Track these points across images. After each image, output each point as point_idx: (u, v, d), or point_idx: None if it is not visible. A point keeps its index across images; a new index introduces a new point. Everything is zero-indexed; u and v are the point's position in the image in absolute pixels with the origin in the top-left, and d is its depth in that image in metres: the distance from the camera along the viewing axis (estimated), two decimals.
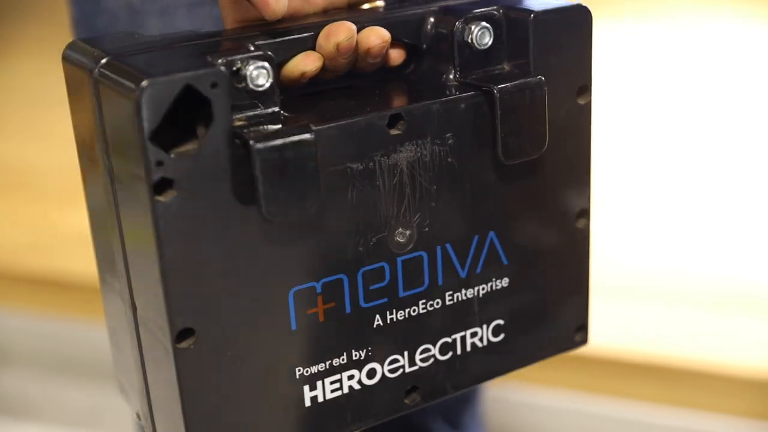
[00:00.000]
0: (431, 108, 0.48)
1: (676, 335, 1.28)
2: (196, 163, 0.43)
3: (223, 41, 0.47)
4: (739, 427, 1.22)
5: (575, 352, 0.58)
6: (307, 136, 0.44)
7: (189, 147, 0.42)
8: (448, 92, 0.49)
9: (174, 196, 0.43)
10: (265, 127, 0.44)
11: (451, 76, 0.51)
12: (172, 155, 0.42)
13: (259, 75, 0.44)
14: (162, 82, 0.41)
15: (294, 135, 0.44)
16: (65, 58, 0.49)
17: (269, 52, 0.45)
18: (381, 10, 0.53)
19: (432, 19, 0.51)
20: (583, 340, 0.58)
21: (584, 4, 0.51)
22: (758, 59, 2.23)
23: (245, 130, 0.44)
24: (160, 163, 0.42)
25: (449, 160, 0.49)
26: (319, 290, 0.48)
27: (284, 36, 0.48)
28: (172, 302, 0.44)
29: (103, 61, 0.45)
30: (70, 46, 0.49)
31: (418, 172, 0.49)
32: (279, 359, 0.48)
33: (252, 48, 0.46)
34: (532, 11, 0.50)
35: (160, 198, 0.42)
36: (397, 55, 0.52)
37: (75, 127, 0.50)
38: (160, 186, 0.42)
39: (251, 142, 0.43)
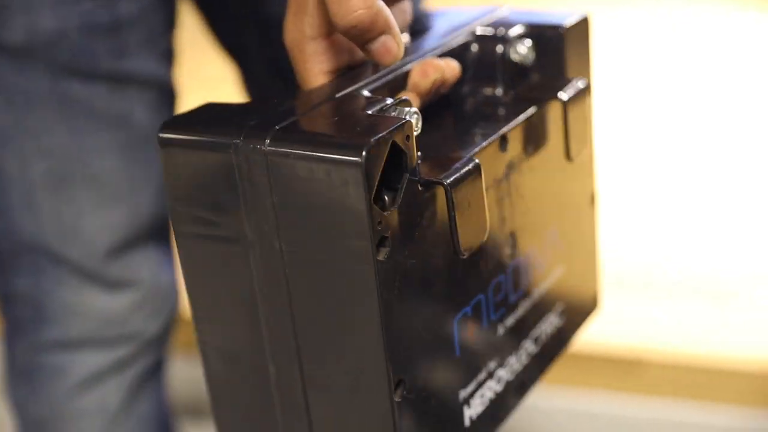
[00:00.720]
0: (522, 125, 0.52)
1: (674, 328, 1.29)
2: (398, 215, 0.43)
3: (350, 95, 0.47)
4: (739, 416, 1.24)
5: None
6: (477, 167, 0.46)
7: (394, 201, 0.43)
8: (519, 108, 0.54)
9: (387, 253, 0.43)
10: (436, 168, 0.46)
11: (498, 93, 0.55)
12: (386, 213, 0.42)
13: (418, 120, 0.46)
14: (375, 143, 0.41)
15: (467, 169, 0.46)
16: (169, 141, 0.45)
17: (405, 98, 0.47)
18: (408, 43, 0.55)
19: (475, 45, 0.55)
20: (598, 305, 0.66)
21: (587, 16, 0.58)
22: (745, 47, 2.22)
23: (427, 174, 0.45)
24: (379, 224, 0.42)
25: (532, 168, 0.54)
26: (470, 313, 0.50)
27: (384, 80, 0.49)
28: (390, 357, 0.44)
29: (270, 138, 0.43)
30: (172, 126, 0.46)
31: (516, 185, 0.53)
32: (450, 388, 0.50)
33: (369, 94, 0.47)
34: (563, 27, 0.56)
35: (379, 258, 0.42)
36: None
37: (177, 204, 0.47)
38: (378, 246, 0.42)
39: (446, 182, 0.44)
